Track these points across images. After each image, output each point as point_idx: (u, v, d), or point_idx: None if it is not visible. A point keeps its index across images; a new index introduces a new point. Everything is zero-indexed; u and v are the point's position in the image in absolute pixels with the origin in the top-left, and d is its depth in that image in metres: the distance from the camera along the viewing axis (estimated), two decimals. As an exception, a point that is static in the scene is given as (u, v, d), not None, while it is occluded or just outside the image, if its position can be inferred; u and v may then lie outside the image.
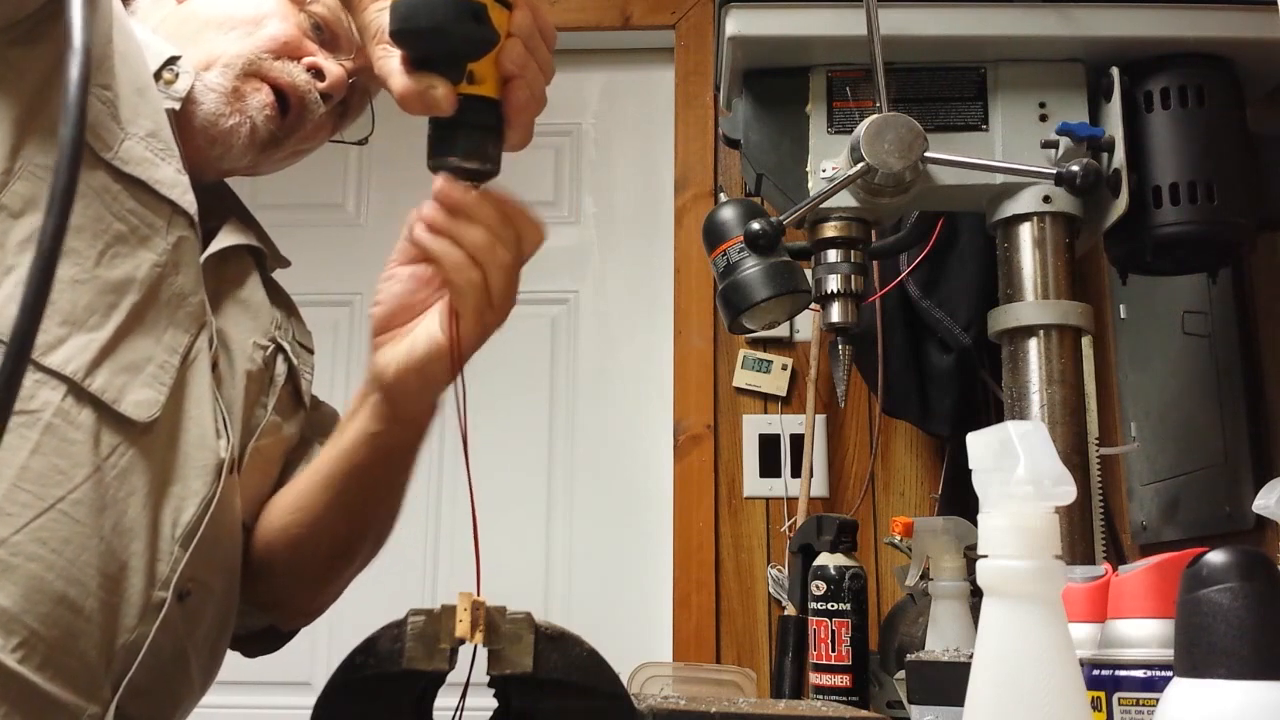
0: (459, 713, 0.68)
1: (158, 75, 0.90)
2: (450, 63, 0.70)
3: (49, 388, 0.75)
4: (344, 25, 0.98)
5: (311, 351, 1.06)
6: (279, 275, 1.06)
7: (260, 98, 0.93)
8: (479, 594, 0.64)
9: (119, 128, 0.82)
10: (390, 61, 0.71)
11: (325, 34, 0.98)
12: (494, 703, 0.67)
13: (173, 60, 0.91)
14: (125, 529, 0.78)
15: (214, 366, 0.88)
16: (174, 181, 0.86)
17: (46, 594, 0.73)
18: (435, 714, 0.70)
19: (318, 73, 0.96)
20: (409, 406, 0.84)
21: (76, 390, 0.77)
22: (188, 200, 0.86)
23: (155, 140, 0.85)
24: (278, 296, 1.04)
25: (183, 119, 0.91)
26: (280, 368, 0.98)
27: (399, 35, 0.69)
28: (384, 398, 0.84)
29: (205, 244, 0.92)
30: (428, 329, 0.79)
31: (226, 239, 0.94)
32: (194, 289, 0.87)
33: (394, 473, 0.92)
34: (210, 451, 0.85)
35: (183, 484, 0.83)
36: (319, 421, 1.06)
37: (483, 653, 0.64)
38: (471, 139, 0.72)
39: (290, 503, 0.96)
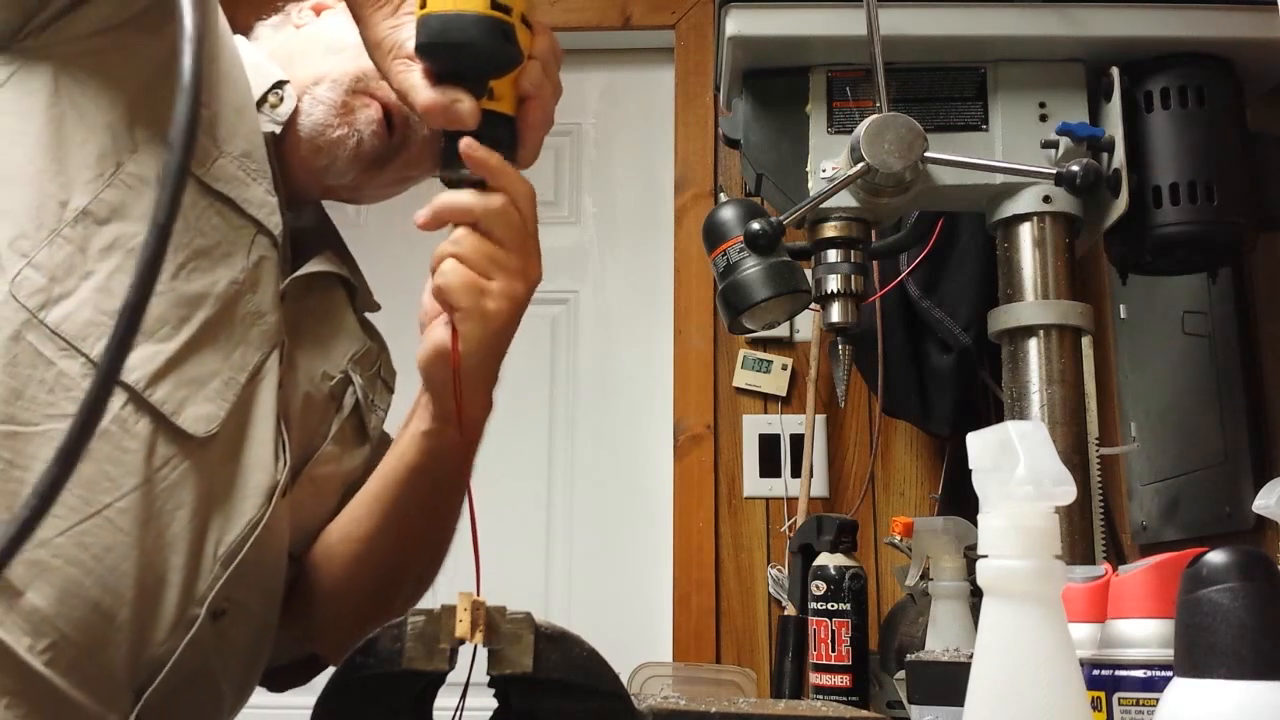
0: (459, 713, 0.68)
1: (264, 99, 0.90)
2: (476, 78, 0.72)
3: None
4: None
5: (392, 390, 1.05)
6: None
7: (369, 113, 0.94)
8: (479, 594, 0.64)
9: (214, 145, 0.83)
10: (412, 75, 0.72)
11: None
12: (494, 703, 0.67)
13: (279, 85, 0.91)
14: (167, 543, 0.78)
15: (279, 388, 0.87)
16: (262, 201, 0.86)
17: (81, 599, 0.73)
18: (435, 714, 0.70)
19: None
20: (446, 402, 0.84)
21: (137, 399, 0.76)
22: (274, 221, 0.87)
23: (249, 160, 0.85)
24: (372, 334, 1.04)
25: (288, 135, 0.92)
26: (348, 400, 0.97)
27: (429, 49, 0.70)
28: (429, 395, 0.85)
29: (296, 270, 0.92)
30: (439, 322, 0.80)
31: (314, 266, 0.94)
32: (270, 309, 0.87)
33: (444, 480, 0.91)
34: (265, 474, 0.84)
35: (233, 503, 0.83)
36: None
37: (483, 653, 0.64)
38: None
39: (344, 523, 0.95)
